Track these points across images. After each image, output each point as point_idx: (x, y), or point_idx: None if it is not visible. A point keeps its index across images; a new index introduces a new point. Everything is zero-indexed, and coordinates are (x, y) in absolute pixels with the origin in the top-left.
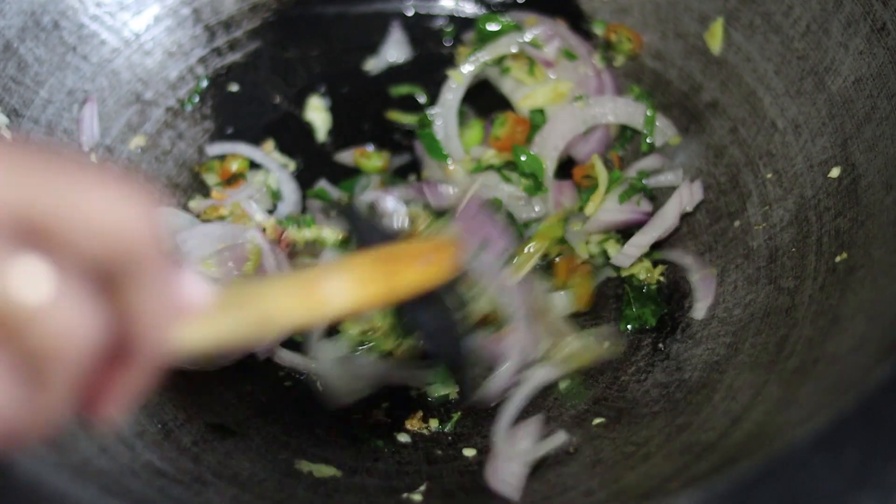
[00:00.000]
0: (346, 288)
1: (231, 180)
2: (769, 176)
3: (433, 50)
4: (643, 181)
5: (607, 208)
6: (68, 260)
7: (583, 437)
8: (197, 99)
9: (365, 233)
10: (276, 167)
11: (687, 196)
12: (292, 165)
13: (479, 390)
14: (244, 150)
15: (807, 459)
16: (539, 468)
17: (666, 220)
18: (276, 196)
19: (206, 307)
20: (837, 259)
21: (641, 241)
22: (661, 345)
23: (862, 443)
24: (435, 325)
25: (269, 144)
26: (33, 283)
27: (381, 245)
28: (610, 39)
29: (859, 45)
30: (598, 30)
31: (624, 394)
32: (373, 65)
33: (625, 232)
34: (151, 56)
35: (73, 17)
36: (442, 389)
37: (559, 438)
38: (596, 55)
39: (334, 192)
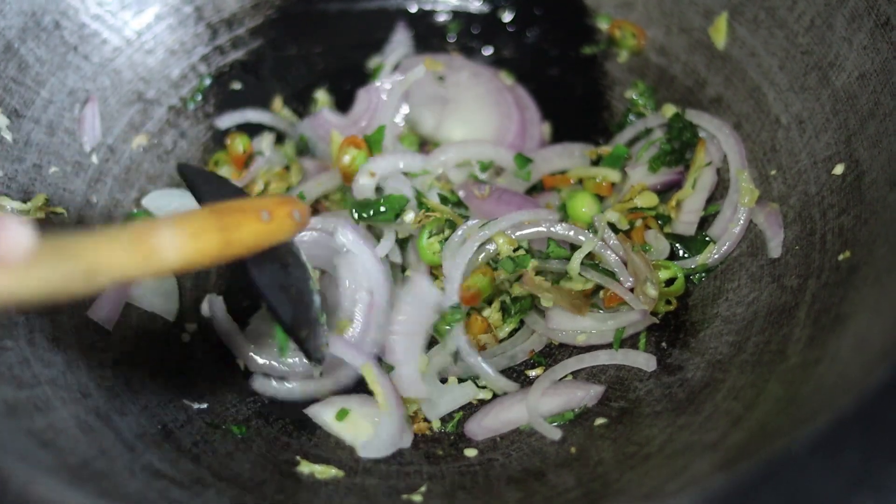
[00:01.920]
0: (178, 240)
1: (248, 162)
2: (773, 172)
3: (437, 47)
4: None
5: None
6: None
7: (585, 437)
8: (199, 97)
9: (204, 188)
10: (285, 126)
11: (716, 152)
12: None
13: (323, 353)
14: (253, 115)
15: (807, 461)
16: (541, 469)
17: (707, 179)
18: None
19: (26, 256)
20: (840, 257)
21: (695, 205)
22: (664, 343)
23: (862, 444)
24: (274, 280)
25: (278, 102)
26: None
27: (221, 200)
28: (614, 35)
29: (863, 40)
30: (602, 24)
31: (626, 394)
32: (376, 62)
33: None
34: (153, 55)
35: (74, 17)
36: (285, 347)
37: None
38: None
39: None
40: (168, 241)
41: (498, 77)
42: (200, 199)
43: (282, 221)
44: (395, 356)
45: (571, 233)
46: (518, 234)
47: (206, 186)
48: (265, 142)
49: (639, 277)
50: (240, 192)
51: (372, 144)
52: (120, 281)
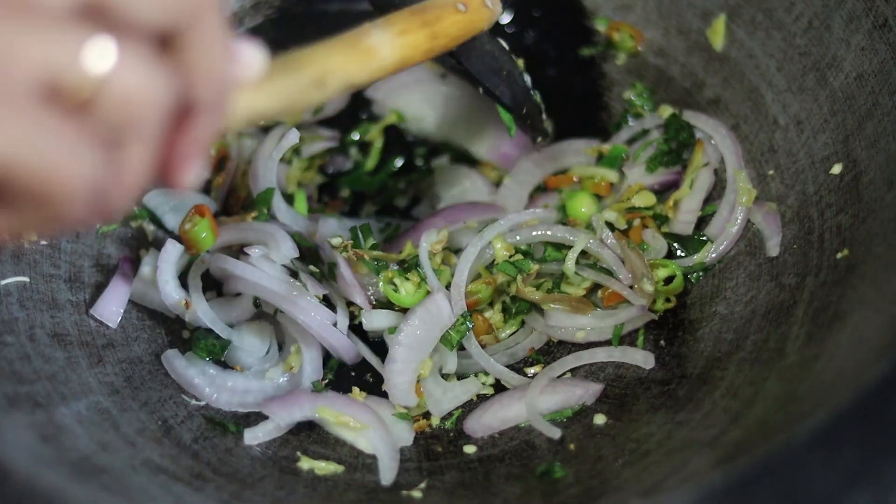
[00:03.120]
0: (389, 39)
1: (220, 165)
2: (771, 172)
3: None
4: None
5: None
6: (130, 27)
7: (583, 434)
8: None
9: None
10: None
11: (713, 153)
12: None
13: (547, 129)
14: None
15: (805, 457)
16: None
17: (704, 179)
18: None
19: (261, 72)
20: (839, 255)
21: (692, 205)
22: (662, 341)
23: (860, 441)
24: (487, 66)
25: None
26: (101, 55)
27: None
28: (612, 36)
29: (861, 41)
30: (601, 26)
31: (625, 390)
32: None
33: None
34: None
35: None
36: (512, 128)
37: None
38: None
39: None
40: (381, 41)
41: None
42: (394, 6)
43: (478, 10)
44: (394, 365)
45: (569, 234)
46: (516, 237)
47: None
48: (246, 141)
49: (636, 274)
50: None
51: (259, 202)
52: (347, 88)
